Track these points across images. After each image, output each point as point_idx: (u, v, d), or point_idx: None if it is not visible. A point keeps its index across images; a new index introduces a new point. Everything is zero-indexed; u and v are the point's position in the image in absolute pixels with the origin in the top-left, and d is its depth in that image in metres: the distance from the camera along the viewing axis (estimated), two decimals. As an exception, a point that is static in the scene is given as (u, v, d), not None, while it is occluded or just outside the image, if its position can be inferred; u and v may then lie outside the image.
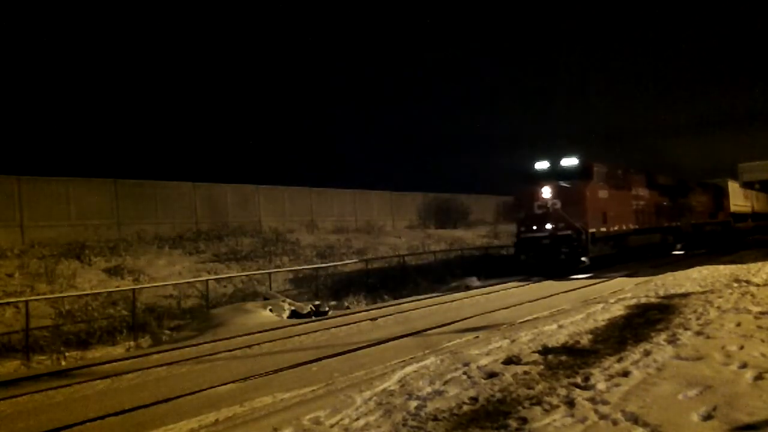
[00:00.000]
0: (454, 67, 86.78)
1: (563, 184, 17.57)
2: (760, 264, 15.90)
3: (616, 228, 18.77)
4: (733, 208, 29.34)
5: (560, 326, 8.58)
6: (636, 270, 17.79)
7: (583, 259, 17.30)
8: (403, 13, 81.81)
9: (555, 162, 18.36)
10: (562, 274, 17.45)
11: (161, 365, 9.12)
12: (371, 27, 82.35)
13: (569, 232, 17.19)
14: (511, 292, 16.15)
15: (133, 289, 13.71)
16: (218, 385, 7.29)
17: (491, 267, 22.15)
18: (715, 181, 29.37)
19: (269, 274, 16.95)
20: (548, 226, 17.50)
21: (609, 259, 18.80)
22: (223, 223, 22.67)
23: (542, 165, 18.65)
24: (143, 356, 10.25)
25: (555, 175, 18.04)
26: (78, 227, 18.56)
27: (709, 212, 27.08)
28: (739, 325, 7.26)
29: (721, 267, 16.03)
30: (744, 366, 5.31)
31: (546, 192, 17.58)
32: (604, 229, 18.16)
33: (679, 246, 23.94)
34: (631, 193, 20.19)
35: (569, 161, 18.07)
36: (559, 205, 17.37)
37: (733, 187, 30.24)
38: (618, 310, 9.73)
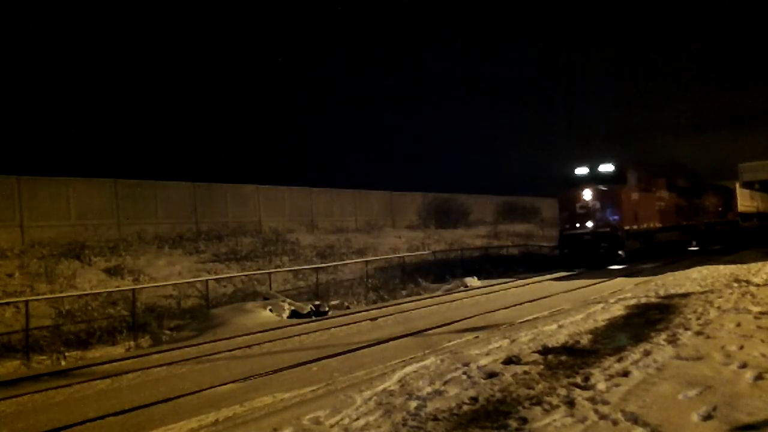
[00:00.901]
0: (454, 66, 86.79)
1: (602, 187, 19.94)
2: (760, 264, 15.90)
3: (644, 226, 21.14)
4: (740, 209, 31.12)
5: (560, 326, 8.58)
6: (663, 263, 19.89)
7: (620, 252, 19.56)
8: (403, 13, 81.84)
9: (593, 167, 20.74)
10: (601, 266, 19.67)
11: (161, 365, 9.13)
12: (372, 26, 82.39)
13: (608, 229, 19.52)
14: (511, 292, 16.16)
15: (133, 289, 13.71)
16: (218, 385, 7.29)
17: (496, 265, 22.43)
18: (724, 183, 31.60)
19: (269, 274, 16.95)
20: (589, 224, 19.82)
21: (639, 252, 20.87)
22: (223, 223, 22.67)
23: (582, 170, 20.92)
24: (143, 356, 10.26)
25: (593, 179, 20.40)
26: (78, 227, 18.56)
27: (719, 212, 29.16)
28: (739, 325, 7.25)
29: (721, 267, 16.03)
30: (744, 366, 5.31)
31: (587, 194, 19.92)
32: (635, 227, 20.52)
33: (694, 243, 26.20)
34: (656, 195, 22.51)
35: (606, 167, 20.51)
36: (598, 205, 19.76)
37: (741, 189, 32.46)
38: (618, 310, 9.73)
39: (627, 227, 19.95)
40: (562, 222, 21.33)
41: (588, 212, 19.94)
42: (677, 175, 25.69)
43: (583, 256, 20.20)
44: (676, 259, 21.19)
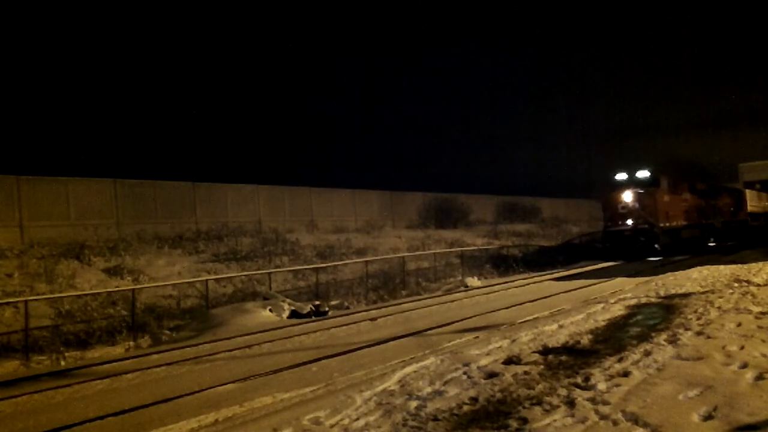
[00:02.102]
0: (454, 66, 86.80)
1: (640, 190, 23.06)
2: (760, 264, 15.89)
3: (673, 224, 24.32)
4: (749, 209, 34.20)
5: (560, 326, 8.58)
6: (690, 255, 22.63)
7: (656, 246, 22.62)
8: (403, 12, 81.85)
9: (631, 174, 24.04)
10: (639, 258, 22.52)
11: (161, 365, 9.12)
12: (372, 26, 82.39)
13: (645, 226, 22.64)
14: (511, 292, 16.16)
15: (133, 289, 13.70)
16: (218, 385, 7.29)
17: (498, 264, 22.61)
18: (736, 186, 35.64)
19: (269, 274, 16.94)
20: (629, 222, 22.90)
21: (669, 247, 23.60)
22: (223, 223, 22.64)
23: (622, 176, 24.21)
24: (143, 356, 10.25)
25: (632, 183, 23.67)
26: (77, 227, 18.53)
27: (732, 212, 31.92)
28: (739, 325, 7.25)
29: (722, 267, 16.02)
30: (744, 366, 5.31)
31: (627, 196, 23.03)
32: (667, 225, 23.71)
33: (711, 239, 28.94)
34: (681, 197, 25.56)
35: (643, 173, 23.81)
36: (637, 206, 22.78)
37: (750, 191, 35.77)
38: (618, 310, 9.73)
39: (661, 224, 23.08)
40: (605, 220, 24.43)
41: (628, 212, 22.96)
42: (697, 179, 29.31)
43: (623, 249, 22.99)
44: (700, 252, 24.17)
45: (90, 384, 8.12)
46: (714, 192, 29.77)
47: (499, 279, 20.70)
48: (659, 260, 21.63)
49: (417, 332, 10.15)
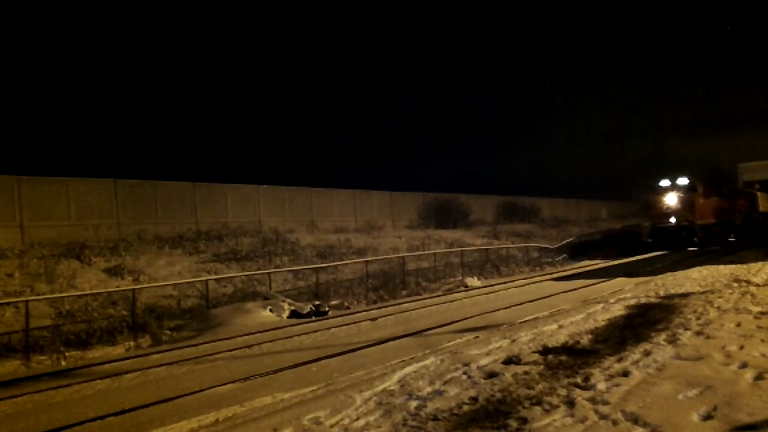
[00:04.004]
0: (454, 66, 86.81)
1: (681, 194, 28.02)
2: (760, 264, 15.90)
3: (706, 221, 28.73)
4: (761, 209, 37.54)
5: (560, 326, 8.58)
6: (721, 248, 26.48)
7: (695, 239, 27.34)
8: (403, 12, 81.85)
9: (673, 180, 28.67)
10: (681, 249, 27.07)
11: (161, 365, 9.13)
12: (372, 25, 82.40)
13: (686, 223, 27.49)
14: (511, 292, 16.17)
15: (133, 289, 13.70)
16: (218, 385, 7.29)
17: (496, 265, 22.39)
18: (749, 189, 38.94)
19: (269, 274, 16.94)
20: (672, 219, 27.83)
21: (703, 240, 27.90)
22: (223, 223, 22.64)
23: (665, 182, 28.80)
24: (143, 356, 10.25)
25: (674, 188, 28.53)
26: (78, 227, 18.53)
27: (747, 212, 36.20)
28: (739, 325, 7.26)
29: (722, 267, 16.03)
30: (744, 366, 5.32)
31: (671, 199, 28.06)
32: (702, 222, 28.22)
33: (732, 235, 32.64)
34: (711, 200, 29.88)
35: (683, 180, 28.33)
36: (679, 207, 27.73)
37: (761, 193, 39.07)
38: (618, 310, 9.73)
39: (698, 222, 27.75)
40: (652, 218, 29.15)
41: (672, 212, 27.92)
42: (722, 183, 33.96)
43: (667, 242, 27.77)
44: (725, 245, 28.56)
45: (90, 384, 8.13)
46: (733, 194, 34.47)
47: (498, 279, 20.72)
48: (696, 250, 26.65)
49: (417, 332, 10.16)
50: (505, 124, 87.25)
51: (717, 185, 32.27)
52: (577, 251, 28.98)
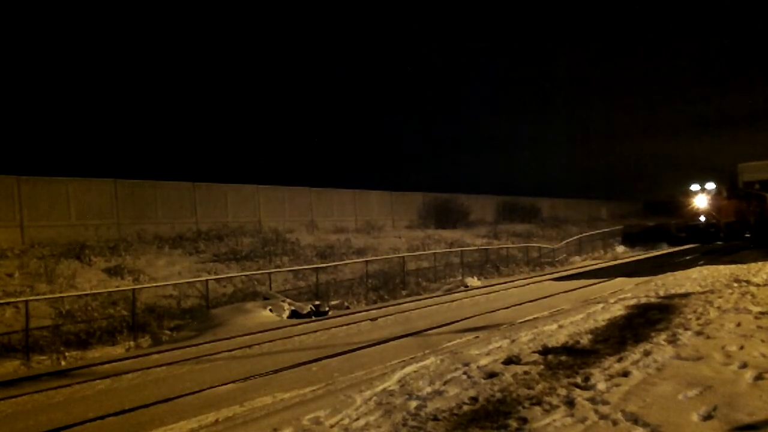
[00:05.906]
0: (454, 65, 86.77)
1: (708, 197, 31.91)
2: (760, 264, 15.89)
3: (729, 220, 32.44)
4: None
5: (560, 326, 8.58)
6: (741, 243, 29.72)
7: (721, 235, 31.41)
8: (404, 12, 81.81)
9: (702, 185, 32.36)
10: (709, 242, 31.59)
11: (161, 365, 9.13)
12: (372, 25, 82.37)
13: (714, 221, 31.45)
14: (511, 292, 16.17)
15: (133, 289, 13.70)
16: (218, 385, 7.29)
17: (496, 265, 22.41)
18: (760, 192, 40.92)
19: (269, 274, 16.94)
20: (702, 218, 31.79)
21: (727, 235, 31.82)
22: (223, 223, 22.64)
23: (695, 186, 32.50)
24: (143, 356, 10.26)
25: (702, 191, 32.42)
26: (78, 227, 18.54)
27: (759, 212, 38.86)
28: (739, 325, 7.26)
29: (722, 267, 16.03)
30: (744, 366, 5.32)
31: (701, 201, 31.95)
32: (726, 220, 32.03)
33: (747, 233, 35.62)
34: (732, 201, 33.48)
35: (710, 185, 32.25)
36: (708, 207, 31.63)
37: None
38: (618, 310, 9.74)
39: (723, 220, 31.52)
40: (684, 216, 33.03)
41: (701, 211, 31.82)
42: (737, 187, 37.53)
43: (698, 237, 32.16)
44: (744, 240, 31.38)
45: (90, 384, 8.13)
46: (748, 196, 37.64)
47: (498, 279, 20.73)
48: (720, 244, 31.15)
49: (417, 332, 10.16)
50: (506, 124, 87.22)
51: (735, 188, 36.21)
52: (628, 240, 35.68)
